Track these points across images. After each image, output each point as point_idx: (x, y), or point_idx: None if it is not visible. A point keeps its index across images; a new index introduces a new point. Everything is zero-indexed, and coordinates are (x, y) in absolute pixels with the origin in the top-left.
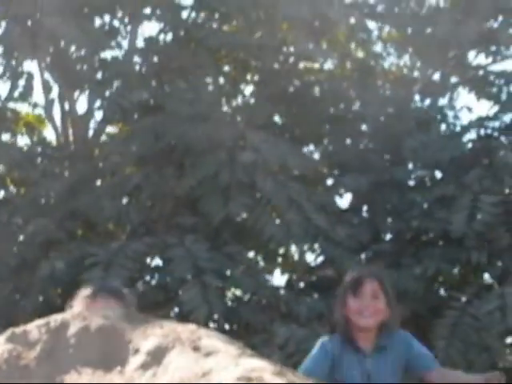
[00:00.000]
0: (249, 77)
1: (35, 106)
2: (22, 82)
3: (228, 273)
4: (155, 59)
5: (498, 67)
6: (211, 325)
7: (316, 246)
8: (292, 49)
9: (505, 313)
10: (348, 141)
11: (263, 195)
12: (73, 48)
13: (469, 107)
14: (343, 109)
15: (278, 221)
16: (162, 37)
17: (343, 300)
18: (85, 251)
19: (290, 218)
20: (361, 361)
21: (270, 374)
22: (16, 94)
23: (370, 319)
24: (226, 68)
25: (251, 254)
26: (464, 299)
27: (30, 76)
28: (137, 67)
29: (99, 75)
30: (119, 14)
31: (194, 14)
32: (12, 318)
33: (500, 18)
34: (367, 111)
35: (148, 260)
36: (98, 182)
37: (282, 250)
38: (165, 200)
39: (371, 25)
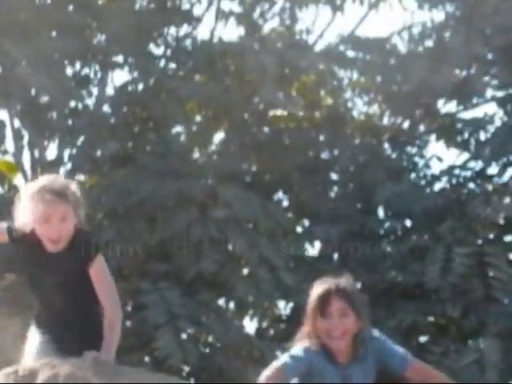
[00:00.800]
0: (219, 126)
1: (5, 152)
2: None
3: (201, 319)
4: (126, 109)
5: (467, 114)
6: (185, 371)
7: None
8: (261, 97)
9: (483, 367)
10: (318, 189)
11: (234, 252)
12: (44, 96)
13: (439, 157)
14: (313, 157)
15: (248, 277)
16: (132, 86)
17: (312, 319)
18: None
19: (260, 275)
20: (339, 372)
21: None
22: None
23: (341, 341)
24: (197, 118)
25: (222, 301)
26: (440, 351)
27: (2, 124)
28: (108, 117)
29: (69, 124)
30: (91, 63)
31: (164, 64)
32: None
33: (473, 67)
34: (337, 160)
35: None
36: None
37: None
38: (137, 250)
39: (341, 72)
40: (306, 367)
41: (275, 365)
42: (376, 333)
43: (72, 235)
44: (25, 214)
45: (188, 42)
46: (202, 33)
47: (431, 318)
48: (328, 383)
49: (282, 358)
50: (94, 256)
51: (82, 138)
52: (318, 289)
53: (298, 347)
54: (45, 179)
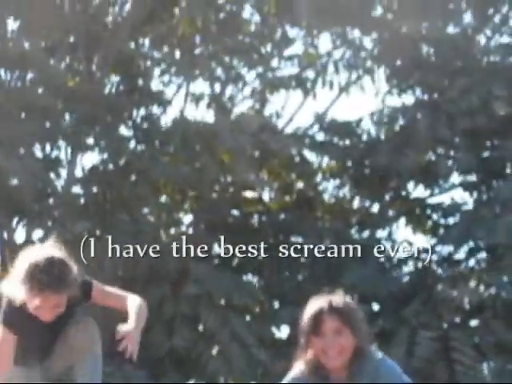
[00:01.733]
0: (187, 206)
1: None
2: None
3: None
4: (96, 189)
5: (435, 199)
6: None
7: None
8: (232, 178)
9: None
10: (286, 272)
11: (206, 329)
12: (13, 179)
13: (409, 241)
14: (282, 240)
15: (220, 354)
16: (103, 167)
17: (307, 339)
18: None
19: (232, 353)
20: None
21: None
22: None
23: (336, 360)
24: (166, 198)
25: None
26: None
27: None
28: (78, 197)
29: (38, 206)
30: (61, 144)
31: (134, 145)
32: None
33: (439, 150)
34: (306, 242)
35: None
36: None
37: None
38: (105, 327)
39: (311, 156)
40: None
41: None
42: (379, 354)
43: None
44: (17, 288)
45: (159, 122)
46: (172, 115)
47: None
48: None
49: None
50: (89, 293)
51: (51, 220)
52: (311, 307)
53: (292, 375)
54: (40, 258)
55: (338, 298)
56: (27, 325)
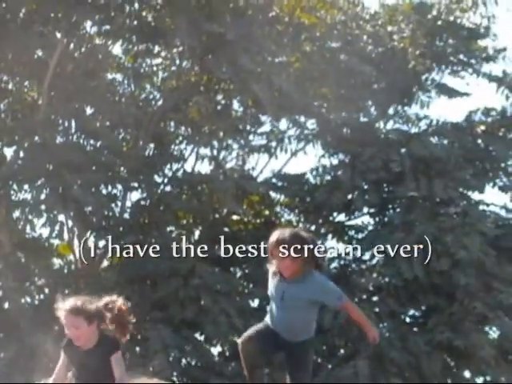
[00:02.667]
0: (198, 226)
1: (62, 240)
2: None
3: (185, 348)
4: (139, 215)
5: (352, 222)
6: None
7: None
8: (224, 207)
9: (357, 377)
10: (258, 268)
11: (205, 306)
12: (88, 207)
13: (334, 247)
14: (256, 246)
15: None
16: (143, 201)
17: (270, 257)
18: None
19: (221, 322)
20: (283, 285)
21: None
22: None
23: (285, 273)
24: (183, 221)
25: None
26: None
27: (62, 224)
28: (127, 220)
29: (104, 224)
30: (118, 187)
31: (163, 187)
32: None
33: (355, 193)
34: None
35: None
36: None
37: None
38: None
39: (273, 194)
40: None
41: None
42: (320, 275)
43: (98, 337)
44: None
45: (179, 173)
46: (188, 167)
47: None
48: (275, 291)
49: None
50: (115, 351)
51: (111, 234)
52: (270, 238)
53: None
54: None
55: (288, 232)
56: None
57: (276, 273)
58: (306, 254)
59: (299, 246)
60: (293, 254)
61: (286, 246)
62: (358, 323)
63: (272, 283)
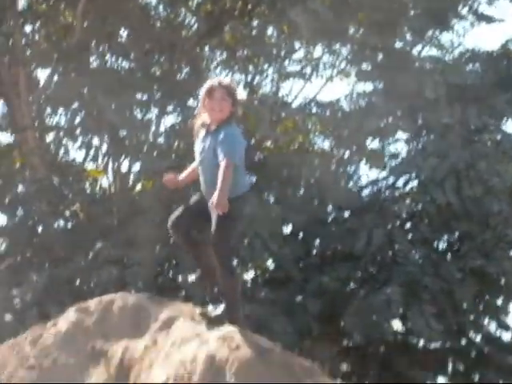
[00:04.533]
0: None
1: (97, 165)
2: None
3: None
4: (172, 139)
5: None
6: None
7: None
8: (260, 132)
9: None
10: (288, 191)
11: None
12: (123, 131)
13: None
14: (289, 174)
15: None
16: (178, 126)
17: (203, 102)
18: None
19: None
20: (204, 138)
21: (239, 335)
22: None
23: (217, 115)
24: None
25: None
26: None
27: (97, 148)
28: (161, 145)
29: (137, 147)
30: (153, 111)
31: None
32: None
33: (390, 116)
34: (300, 174)
35: None
36: None
37: None
38: None
39: (307, 120)
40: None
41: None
42: (236, 127)
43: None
44: None
45: None
46: None
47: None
48: (198, 148)
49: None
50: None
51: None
52: (208, 82)
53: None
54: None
55: (228, 79)
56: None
57: (204, 125)
58: (237, 99)
59: (234, 90)
60: (229, 96)
61: (226, 87)
62: None
63: (197, 142)
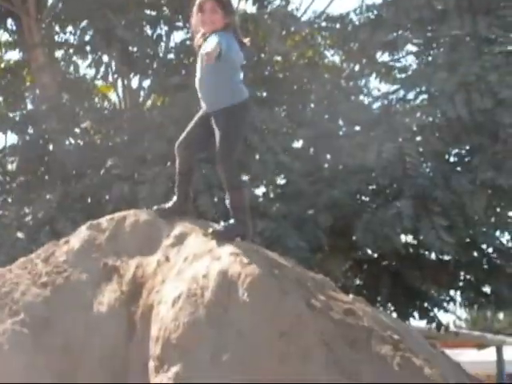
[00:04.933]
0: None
1: (107, 81)
2: None
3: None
4: (183, 55)
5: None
6: None
7: None
8: (270, 47)
9: (401, 217)
10: (296, 105)
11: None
12: (133, 47)
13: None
14: (299, 87)
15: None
16: (188, 42)
17: (195, 17)
18: None
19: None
20: (202, 48)
21: (252, 251)
22: None
23: (211, 25)
24: None
25: None
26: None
27: (107, 65)
28: (171, 60)
29: (149, 64)
30: (162, 27)
31: None
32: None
33: (400, 29)
34: (311, 89)
35: None
36: None
37: None
38: None
39: (317, 34)
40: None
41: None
42: (226, 33)
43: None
44: None
45: None
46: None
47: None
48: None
49: None
50: None
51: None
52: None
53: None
54: None
55: None
56: None
57: (203, 34)
58: (231, 10)
59: (226, 1)
60: (220, 8)
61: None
62: None
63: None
